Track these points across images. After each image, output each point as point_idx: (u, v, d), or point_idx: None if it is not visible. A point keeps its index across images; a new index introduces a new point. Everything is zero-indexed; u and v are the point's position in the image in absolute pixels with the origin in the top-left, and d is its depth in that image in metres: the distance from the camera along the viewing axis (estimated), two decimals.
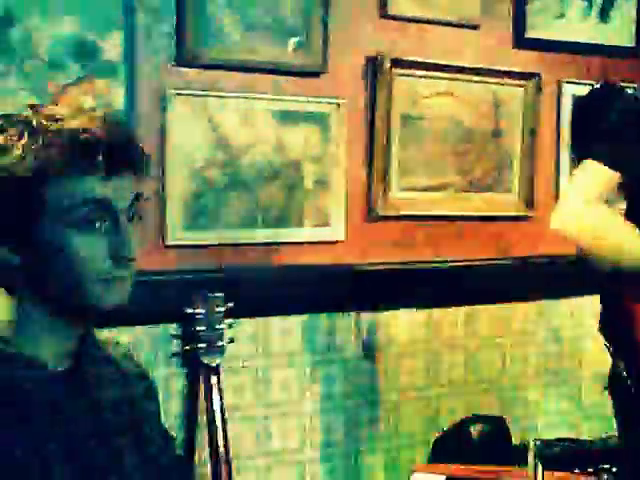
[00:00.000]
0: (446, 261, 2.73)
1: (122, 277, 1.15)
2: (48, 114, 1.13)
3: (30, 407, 1.11)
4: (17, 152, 1.08)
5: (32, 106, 1.17)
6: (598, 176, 1.93)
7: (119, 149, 1.13)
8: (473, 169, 2.76)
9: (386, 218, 2.61)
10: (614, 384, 1.99)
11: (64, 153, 1.09)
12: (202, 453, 2.31)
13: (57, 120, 1.11)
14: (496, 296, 2.83)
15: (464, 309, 2.81)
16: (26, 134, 1.09)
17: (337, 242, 2.54)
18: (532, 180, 2.84)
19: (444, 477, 1.64)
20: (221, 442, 2.23)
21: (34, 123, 1.11)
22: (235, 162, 2.37)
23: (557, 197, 2.74)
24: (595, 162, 1.94)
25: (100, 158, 1.10)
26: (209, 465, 2.25)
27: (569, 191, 2.07)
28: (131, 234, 1.15)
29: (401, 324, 2.70)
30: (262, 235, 2.42)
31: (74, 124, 1.11)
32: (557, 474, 1.64)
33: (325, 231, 2.52)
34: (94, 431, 1.20)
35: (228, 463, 2.23)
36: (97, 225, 1.12)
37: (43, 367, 1.16)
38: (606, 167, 1.91)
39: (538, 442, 1.56)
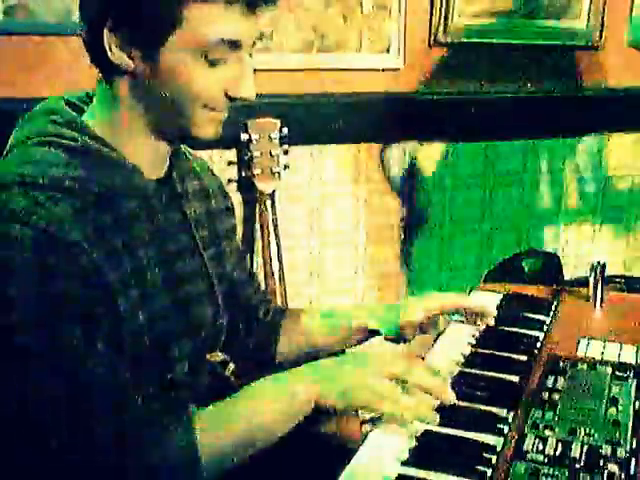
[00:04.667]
0: (506, 92, 2.65)
1: (225, 115, 1.16)
2: None
3: (127, 212, 1.12)
4: None
5: None
6: None
7: None
8: None
9: (447, 45, 2.51)
10: None
11: None
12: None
13: None
14: (559, 129, 2.75)
15: (521, 142, 2.75)
16: None
17: (396, 69, 2.46)
18: (604, 7, 2.68)
19: (501, 295, 1.64)
20: (276, 268, 2.26)
21: None
22: None
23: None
24: None
25: None
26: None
27: None
28: (252, 74, 1.13)
29: (460, 154, 2.66)
30: (318, 61, 2.35)
31: None
32: (617, 294, 1.64)
33: (384, 57, 2.44)
34: (183, 241, 1.23)
35: (283, 289, 2.28)
36: (223, 61, 1.11)
37: (141, 175, 1.16)
38: None
39: (598, 262, 1.55)
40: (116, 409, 1.05)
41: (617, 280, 2.47)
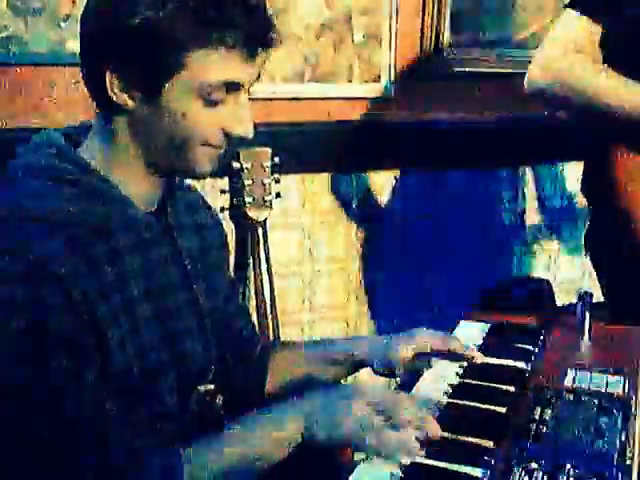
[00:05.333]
0: (498, 120, 2.67)
1: (220, 152, 1.17)
2: None
3: (120, 244, 1.14)
4: (171, 6, 1.06)
5: None
6: (578, 27, 1.72)
7: (263, 27, 1.12)
8: (529, 24, 2.64)
9: (437, 74, 2.53)
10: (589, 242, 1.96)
11: (215, 23, 1.07)
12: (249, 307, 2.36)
13: None
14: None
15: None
16: None
17: (387, 98, 2.48)
18: None
19: (489, 325, 1.64)
20: (267, 296, 2.27)
21: None
22: (281, 15, 2.29)
23: None
24: (574, 12, 1.73)
25: (248, 33, 1.09)
26: (255, 318, 2.30)
27: (544, 43, 1.81)
28: (250, 114, 1.15)
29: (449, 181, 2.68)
30: (310, 90, 2.37)
31: None
32: (602, 324, 1.64)
33: (374, 86, 2.46)
34: (175, 275, 1.24)
35: (274, 317, 2.28)
36: (222, 100, 1.12)
37: (134, 208, 1.18)
38: (586, 18, 1.71)
39: (585, 291, 1.55)
40: (101, 443, 1.06)
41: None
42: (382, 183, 2.58)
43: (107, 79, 1.10)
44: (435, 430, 1.14)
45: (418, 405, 1.18)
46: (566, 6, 1.76)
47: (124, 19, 1.06)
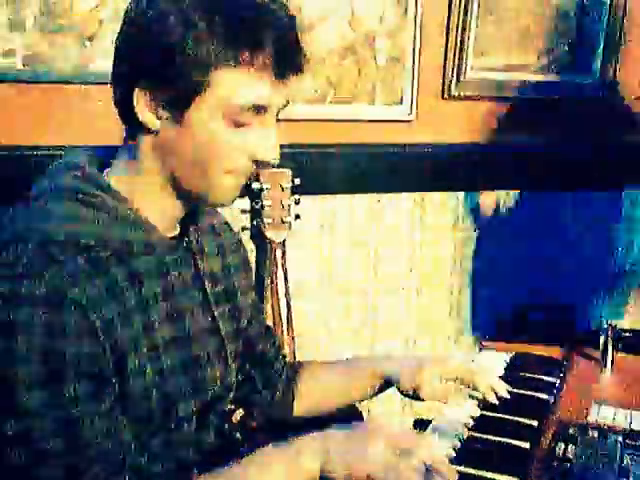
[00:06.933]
0: (521, 144, 2.66)
1: (244, 180, 1.16)
2: None
3: (141, 269, 1.13)
4: (202, 25, 1.05)
5: None
6: None
7: (294, 50, 1.11)
8: (553, 49, 2.63)
9: (459, 98, 2.52)
10: None
11: (245, 44, 1.06)
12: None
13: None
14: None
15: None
16: (216, 17, 1.05)
17: (408, 121, 2.48)
18: (616, 61, 2.69)
19: (511, 355, 1.63)
20: (284, 317, 2.26)
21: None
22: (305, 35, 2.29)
23: None
24: None
25: (278, 57, 1.07)
26: None
27: None
28: (277, 138, 1.14)
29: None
30: (332, 112, 2.37)
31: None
32: (627, 356, 1.62)
33: (396, 109, 2.45)
34: (195, 299, 1.23)
35: (291, 338, 2.27)
36: (249, 124, 1.11)
37: (157, 232, 1.17)
38: None
39: (610, 324, 1.54)
40: (116, 470, 1.05)
41: (628, 335, 2.44)
42: (402, 206, 2.57)
43: (135, 96, 1.09)
44: (452, 476, 1.12)
45: (435, 448, 1.16)
46: None
47: (155, 37, 1.06)
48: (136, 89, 1.09)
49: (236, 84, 1.07)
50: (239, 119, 1.09)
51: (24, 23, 1.93)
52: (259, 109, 1.10)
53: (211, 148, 1.10)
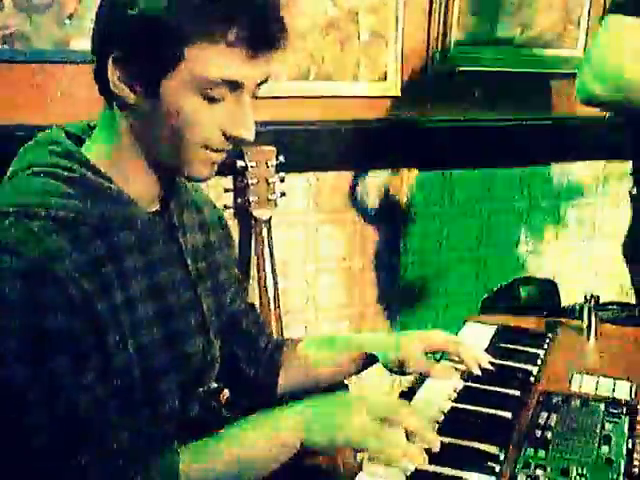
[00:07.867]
0: (504, 119, 2.65)
1: (221, 157, 1.15)
2: None
3: (121, 243, 1.13)
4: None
5: None
6: (629, 29, 1.63)
7: (269, 27, 1.09)
8: (536, 23, 2.62)
9: (444, 73, 2.52)
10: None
11: (217, 18, 1.05)
12: None
13: None
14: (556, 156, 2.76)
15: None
16: None
17: (393, 97, 2.47)
18: None
19: (495, 327, 1.63)
20: (271, 294, 2.26)
21: None
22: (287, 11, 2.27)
23: None
24: (620, 16, 1.64)
25: (252, 32, 1.06)
26: None
27: (593, 51, 1.71)
28: (251, 115, 1.13)
29: (456, 182, 2.67)
30: (315, 88, 2.36)
31: None
32: (611, 327, 1.64)
33: (380, 85, 2.44)
34: (176, 274, 1.23)
35: (277, 315, 2.27)
36: (222, 99, 1.10)
37: (138, 207, 1.17)
38: (632, 18, 1.62)
39: (591, 294, 1.54)
40: (100, 443, 1.05)
41: (611, 308, 2.46)
42: (386, 182, 2.57)
43: (109, 69, 1.09)
44: (434, 442, 1.13)
45: (418, 415, 1.17)
46: (610, 12, 1.69)
47: (126, 8, 1.06)
48: (109, 61, 1.09)
49: (208, 58, 1.06)
50: (212, 94, 1.09)
51: (2, 2, 1.92)
52: (233, 84, 1.09)
53: (184, 121, 1.10)
